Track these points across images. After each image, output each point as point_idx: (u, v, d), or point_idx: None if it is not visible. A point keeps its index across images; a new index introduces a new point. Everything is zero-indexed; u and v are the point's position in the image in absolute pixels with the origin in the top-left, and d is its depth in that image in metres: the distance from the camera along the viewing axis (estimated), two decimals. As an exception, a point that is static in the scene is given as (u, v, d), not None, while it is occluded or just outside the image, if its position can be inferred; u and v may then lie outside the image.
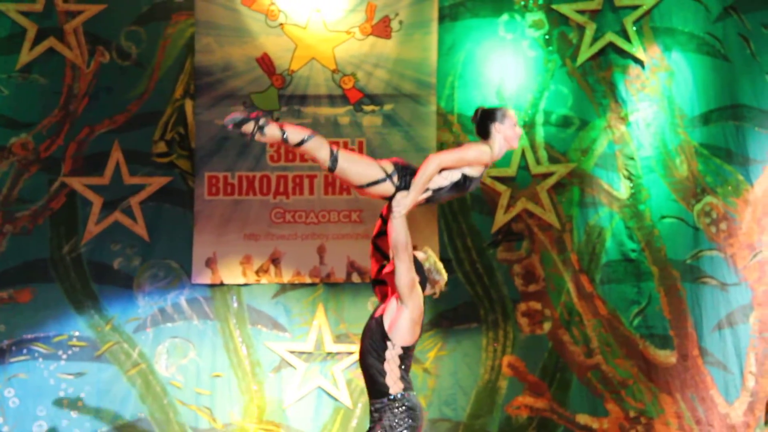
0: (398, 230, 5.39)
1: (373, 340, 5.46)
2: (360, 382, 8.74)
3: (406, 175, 5.50)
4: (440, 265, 5.64)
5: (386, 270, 5.54)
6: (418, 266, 5.55)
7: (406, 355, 5.48)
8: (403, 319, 5.43)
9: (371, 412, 5.52)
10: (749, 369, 8.63)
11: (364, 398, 8.73)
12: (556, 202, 8.90)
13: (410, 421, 5.45)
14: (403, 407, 5.44)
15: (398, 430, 5.43)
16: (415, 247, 5.56)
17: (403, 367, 5.47)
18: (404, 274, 5.40)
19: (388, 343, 5.44)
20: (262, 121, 5.41)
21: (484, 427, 8.74)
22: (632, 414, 8.71)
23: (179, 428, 8.68)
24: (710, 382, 8.66)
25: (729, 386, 8.64)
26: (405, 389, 5.47)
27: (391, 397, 5.45)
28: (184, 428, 8.68)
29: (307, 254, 8.81)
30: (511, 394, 8.78)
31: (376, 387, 5.47)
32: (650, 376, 8.73)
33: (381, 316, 5.49)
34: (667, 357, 8.74)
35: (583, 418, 8.76)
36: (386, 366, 5.45)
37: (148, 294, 8.79)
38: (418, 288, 5.48)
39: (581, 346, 8.80)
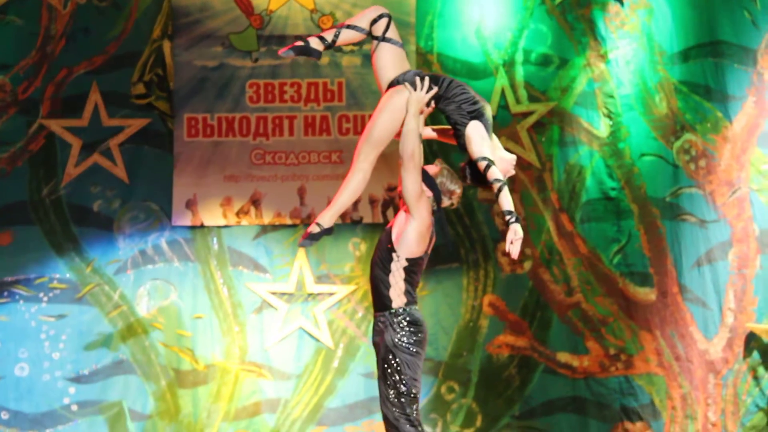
0: (405, 138, 5.32)
1: (381, 251, 5.44)
2: (341, 323, 8.78)
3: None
4: (454, 175, 5.52)
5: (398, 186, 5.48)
6: (430, 180, 5.46)
7: (412, 269, 5.43)
8: (410, 230, 5.39)
9: (375, 323, 5.47)
10: (728, 305, 8.72)
11: (346, 339, 8.78)
12: (536, 141, 8.90)
13: (414, 336, 5.40)
14: (405, 322, 5.40)
15: (403, 346, 5.38)
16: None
17: (408, 280, 5.42)
18: (410, 185, 5.34)
19: (393, 255, 5.40)
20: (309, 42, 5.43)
21: (465, 366, 8.79)
22: (612, 351, 8.78)
23: (161, 370, 8.72)
24: (689, 319, 8.74)
25: (708, 323, 8.72)
26: (407, 303, 5.42)
27: (393, 310, 5.41)
28: (166, 370, 8.72)
29: (288, 195, 8.81)
30: (491, 333, 8.83)
31: (380, 299, 5.44)
32: (630, 313, 8.80)
33: (390, 228, 5.47)
34: (646, 294, 8.80)
35: (563, 356, 8.82)
36: (391, 278, 5.41)
37: (129, 236, 8.79)
38: (426, 200, 5.41)
39: (561, 284, 8.85)
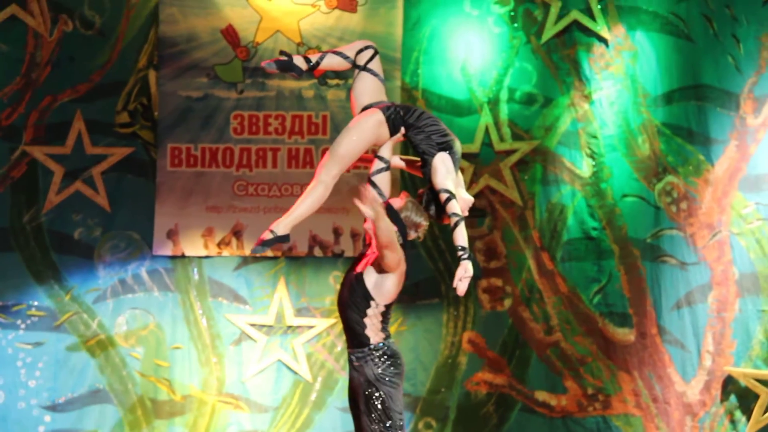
0: (381, 233, 5.28)
1: (354, 296, 5.42)
2: (320, 356, 8.79)
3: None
4: (419, 208, 5.52)
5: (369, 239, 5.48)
6: (395, 214, 5.46)
7: (388, 310, 5.46)
8: (389, 282, 5.39)
9: (350, 361, 5.47)
10: (706, 348, 8.75)
11: (324, 372, 8.79)
12: (519, 179, 8.96)
13: (393, 368, 5.43)
14: (385, 356, 5.42)
15: (385, 379, 5.41)
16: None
17: (384, 320, 5.44)
18: (391, 259, 5.33)
19: (372, 302, 5.40)
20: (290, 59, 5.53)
21: (443, 403, 8.81)
22: (590, 391, 8.81)
23: (137, 399, 8.73)
24: (668, 361, 8.78)
25: (686, 365, 8.76)
26: (385, 338, 5.45)
27: (372, 346, 5.42)
28: (143, 400, 8.72)
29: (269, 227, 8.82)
30: (470, 370, 8.85)
31: (356, 338, 5.44)
32: (609, 353, 8.82)
33: (361, 274, 5.43)
34: (625, 335, 8.83)
35: (541, 395, 8.85)
36: (367, 320, 5.42)
37: (109, 265, 8.81)
38: (400, 249, 5.39)
39: (541, 323, 8.89)
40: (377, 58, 5.63)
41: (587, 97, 8.93)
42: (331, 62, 5.63)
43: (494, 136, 8.94)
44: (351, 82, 8.79)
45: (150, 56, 8.91)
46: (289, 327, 8.80)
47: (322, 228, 8.81)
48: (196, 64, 8.89)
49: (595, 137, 8.92)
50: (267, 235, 5.42)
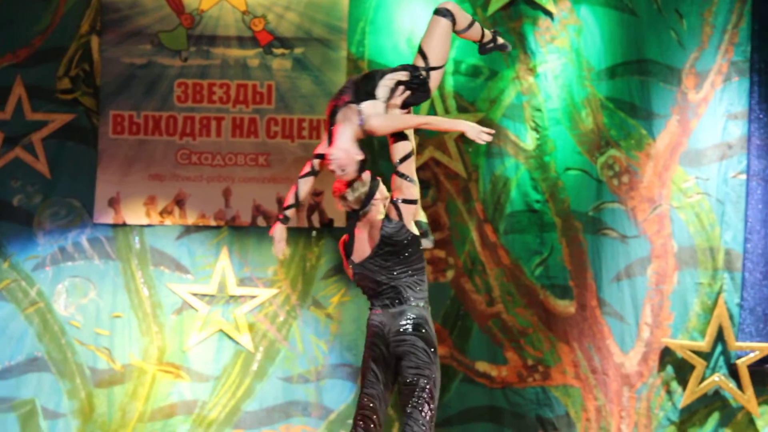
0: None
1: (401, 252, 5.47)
2: (262, 326, 8.86)
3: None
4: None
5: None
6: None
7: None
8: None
9: (406, 314, 5.42)
10: (645, 320, 8.89)
11: (266, 342, 8.86)
12: (463, 152, 9.01)
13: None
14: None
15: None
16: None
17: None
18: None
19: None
20: None
21: (384, 373, 8.87)
22: (530, 362, 8.92)
23: (77, 368, 8.73)
24: (607, 332, 8.90)
25: (625, 336, 8.89)
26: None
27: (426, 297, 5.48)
28: (82, 368, 8.73)
29: (213, 197, 8.87)
30: (412, 341, 8.93)
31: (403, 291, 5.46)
32: (549, 325, 8.94)
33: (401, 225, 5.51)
34: (566, 307, 8.95)
35: (482, 366, 8.94)
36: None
37: (49, 232, 8.79)
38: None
39: (483, 294, 8.97)
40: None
41: (532, 71, 9.00)
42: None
43: (439, 108, 8.99)
44: (297, 52, 8.86)
45: (93, 22, 8.86)
46: (232, 297, 8.83)
47: (265, 198, 8.86)
48: (140, 30, 8.86)
49: (539, 110, 9.00)
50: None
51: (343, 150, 5.39)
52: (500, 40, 5.84)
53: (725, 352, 8.86)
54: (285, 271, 8.85)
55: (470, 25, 5.68)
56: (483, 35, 5.78)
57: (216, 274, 8.84)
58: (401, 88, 5.48)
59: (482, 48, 5.81)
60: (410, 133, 5.54)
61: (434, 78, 5.54)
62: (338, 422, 8.73)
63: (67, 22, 8.84)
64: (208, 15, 8.90)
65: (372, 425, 5.45)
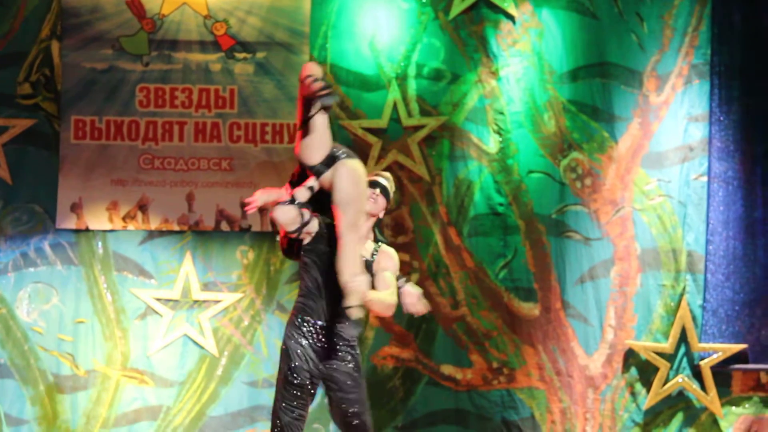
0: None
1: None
2: (226, 331, 8.88)
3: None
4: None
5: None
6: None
7: None
8: None
9: (337, 345, 5.85)
10: (608, 322, 8.96)
11: (231, 347, 8.88)
12: (427, 155, 9.06)
13: None
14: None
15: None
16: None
17: None
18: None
19: None
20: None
21: (350, 377, 8.91)
22: (495, 365, 8.96)
23: (40, 374, 8.73)
24: (571, 335, 8.97)
25: (589, 338, 8.96)
26: None
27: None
28: (45, 374, 8.74)
29: (176, 201, 8.90)
30: (377, 345, 8.97)
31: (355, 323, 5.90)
32: (514, 328, 8.98)
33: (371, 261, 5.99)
34: (530, 309, 8.99)
35: (447, 369, 8.98)
36: None
37: (10, 238, 8.79)
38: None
39: (448, 297, 9.01)
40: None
41: (494, 74, 9.06)
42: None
43: (402, 112, 9.03)
44: (260, 56, 8.92)
45: (53, 26, 8.88)
46: (196, 301, 8.86)
47: (229, 202, 8.90)
48: (101, 35, 8.88)
49: (501, 113, 9.05)
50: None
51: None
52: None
53: (688, 354, 8.95)
54: (249, 276, 8.90)
55: None
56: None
57: (180, 279, 8.86)
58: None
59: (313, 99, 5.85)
60: None
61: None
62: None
63: (28, 27, 8.84)
64: (170, 19, 8.94)
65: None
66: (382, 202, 5.93)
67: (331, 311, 5.81)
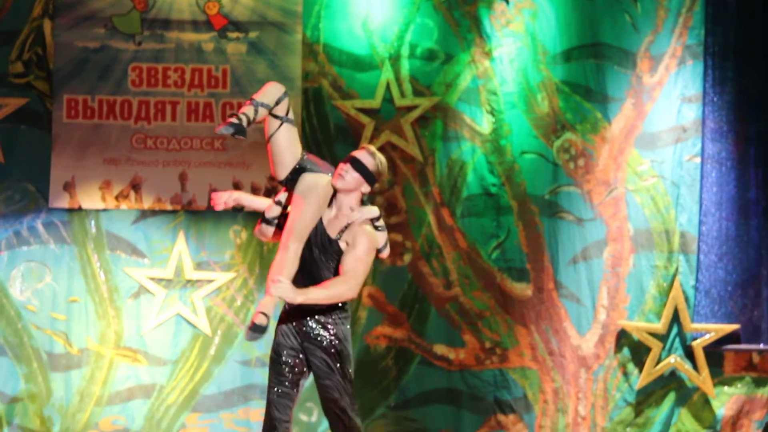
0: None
1: (328, 257, 5.78)
2: (219, 310, 8.92)
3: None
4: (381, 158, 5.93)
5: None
6: (365, 169, 5.83)
7: None
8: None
9: (319, 322, 5.77)
10: (601, 302, 9.01)
11: (224, 326, 8.92)
12: (420, 136, 9.08)
13: (349, 326, 5.85)
14: (347, 314, 5.83)
15: (348, 337, 5.81)
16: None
17: None
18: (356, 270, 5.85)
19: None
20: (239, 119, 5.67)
21: (342, 357, 8.95)
22: (488, 345, 9.00)
23: (33, 352, 8.77)
24: (564, 315, 9.02)
25: (582, 319, 9.00)
26: None
27: (342, 306, 5.80)
28: (39, 353, 8.78)
29: (169, 181, 8.93)
30: (370, 324, 9.00)
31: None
32: (506, 308, 9.02)
33: (336, 240, 5.84)
34: (523, 290, 9.04)
35: (440, 349, 9.02)
36: None
37: (3, 217, 8.83)
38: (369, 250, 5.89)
39: (440, 278, 9.04)
40: (289, 103, 5.84)
41: (488, 54, 9.07)
42: (261, 115, 5.78)
43: (395, 92, 9.04)
44: (252, 36, 8.91)
45: (45, 5, 8.87)
46: (189, 281, 8.89)
47: (221, 182, 8.92)
48: (93, 14, 8.88)
49: (495, 94, 9.07)
50: (261, 320, 5.69)
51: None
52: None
53: (681, 334, 9.00)
54: (242, 255, 8.94)
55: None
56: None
57: (173, 258, 8.90)
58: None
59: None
60: None
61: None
62: (297, 406, 8.77)
63: (20, 6, 8.83)
64: (162, -1, 8.98)
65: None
66: (351, 178, 5.77)
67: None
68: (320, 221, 5.78)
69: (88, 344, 8.82)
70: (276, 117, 5.79)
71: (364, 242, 5.71)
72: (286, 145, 5.82)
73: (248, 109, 5.72)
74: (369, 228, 5.78)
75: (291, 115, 5.84)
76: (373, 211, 5.82)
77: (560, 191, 9.08)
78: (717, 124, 9.09)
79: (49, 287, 8.83)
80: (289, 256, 5.65)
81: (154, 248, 8.92)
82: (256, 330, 5.66)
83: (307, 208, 5.71)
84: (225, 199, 6.02)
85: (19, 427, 8.70)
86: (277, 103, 5.77)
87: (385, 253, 5.94)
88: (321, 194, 5.77)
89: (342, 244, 5.75)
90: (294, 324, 5.82)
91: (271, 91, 5.79)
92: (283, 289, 5.54)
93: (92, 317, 8.83)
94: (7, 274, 8.81)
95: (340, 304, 5.79)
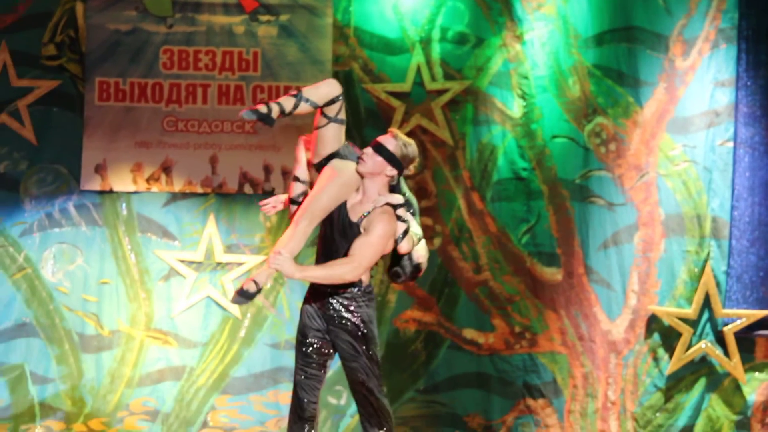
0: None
1: (348, 239, 5.79)
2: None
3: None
4: (406, 140, 5.94)
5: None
6: (390, 154, 5.82)
7: None
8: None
9: (338, 302, 5.80)
10: (631, 287, 9.01)
11: (253, 309, 8.98)
12: (450, 119, 9.09)
13: (374, 308, 5.86)
14: (371, 296, 5.85)
15: (372, 319, 5.82)
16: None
17: None
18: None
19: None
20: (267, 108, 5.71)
21: (372, 340, 8.99)
22: (517, 329, 9.03)
23: (65, 334, 8.86)
24: (594, 300, 9.02)
25: (612, 304, 9.01)
26: (371, 278, 5.87)
27: (364, 288, 5.82)
28: (70, 334, 8.87)
29: (199, 164, 8.99)
30: (399, 308, 9.04)
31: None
32: (536, 292, 9.05)
33: (358, 224, 5.85)
34: (553, 274, 9.05)
35: (469, 333, 9.06)
36: None
37: (35, 198, 8.90)
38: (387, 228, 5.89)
39: (470, 262, 9.07)
40: (342, 104, 5.83)
41: (519, 38, 9.07)
42: (302, 110, 5.78)
43: (426, 76, 9.07)
44: (283, 19, 8.95)
45: (78, -13, 8.97)
46: (219, 264, 8.96)
47: (252, 165, 8.98)
48: (125, -4, 8.98)
49: (526, 78, 9.07)
50: (251, 287, 5.73)
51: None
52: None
53: (712, 320, 8.99)
54: (272, 239, 8.98)
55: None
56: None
57: (203, 241, 8.96)
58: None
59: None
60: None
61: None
62: (326, 388, 8.85)
63: (53, -12, 8.94)
64: (194, -19, 9.01)
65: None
66: (372, 162, 5.76)
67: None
68: (343, 204, 5.81)
69: (119, 326, 8.90)
70: (325, 116, 5.82)
71: (378, 228, 5.72)
72: (329, 141, 5.86)
73: (286, 101, 5.75)
74: (389, 216, 5.78)
75: (342, 115, 5.84)
76: (397, 198, 5.82)
77: (591, 176, 9.08)
78: (750, 108, 9.05)
79: (81, 269, 8.91)
80: (297, 232, 5.69)
81: (185, 231, 8.98)
82: (243, 295, 5.71)
83: (326, 190, 5.75)
84: (273, 203, 6.09)
85: (50, 408, 8.80)
86: (331, 102, 5.78)
87: (404, 247, 5.86)
88: (344, 178, 5.79)
89: (362, 229, 5.78)
90: (317, 306, 5.86)
91: (323, 90, 5.80)
92: (282, 263, 5.58)
93: (123, 299, 8.91)
94: (39, 255, 8.89)
95: (363, 286, 5.81)
